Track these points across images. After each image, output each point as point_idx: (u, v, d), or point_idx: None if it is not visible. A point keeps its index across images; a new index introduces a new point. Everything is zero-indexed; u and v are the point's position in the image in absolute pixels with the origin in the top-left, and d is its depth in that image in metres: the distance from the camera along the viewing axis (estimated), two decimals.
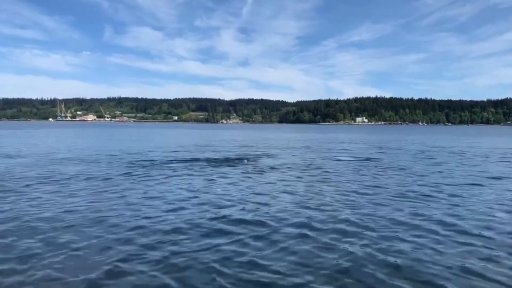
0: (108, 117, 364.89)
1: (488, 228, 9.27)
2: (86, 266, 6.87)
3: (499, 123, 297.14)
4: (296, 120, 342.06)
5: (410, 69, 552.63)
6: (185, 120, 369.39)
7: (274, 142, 47.72)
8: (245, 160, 23.82)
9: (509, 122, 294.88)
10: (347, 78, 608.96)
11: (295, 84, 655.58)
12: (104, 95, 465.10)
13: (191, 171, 18.78)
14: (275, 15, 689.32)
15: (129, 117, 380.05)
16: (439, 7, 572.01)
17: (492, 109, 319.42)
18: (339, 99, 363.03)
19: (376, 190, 14.13)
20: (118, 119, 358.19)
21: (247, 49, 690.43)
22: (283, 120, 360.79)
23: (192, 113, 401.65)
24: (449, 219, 9.91)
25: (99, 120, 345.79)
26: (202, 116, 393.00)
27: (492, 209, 11.15)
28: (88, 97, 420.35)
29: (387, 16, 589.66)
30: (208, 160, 23.72)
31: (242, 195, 12.93)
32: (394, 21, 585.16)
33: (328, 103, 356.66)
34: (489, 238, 8.57)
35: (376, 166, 21.86)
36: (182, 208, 10.93)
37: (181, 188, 14.00)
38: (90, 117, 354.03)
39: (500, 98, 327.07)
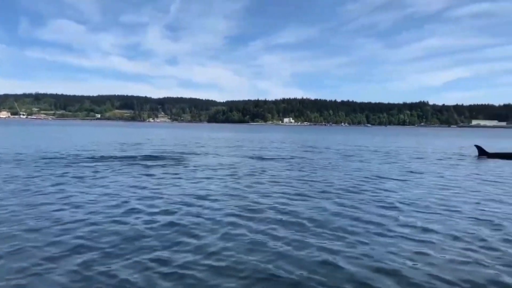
0: (23, 114, 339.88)
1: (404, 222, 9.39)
2: None
3: (413, 124, 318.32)
4: (225, 120, 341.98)
5: (334, 72, 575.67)
6: (108, 118, 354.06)
7: (204, 141, 46.95)
8: (170, 159, 22.98)
9: (422, 124, 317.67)
10: (275, 79, 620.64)
11: (224, 84, 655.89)
12: (20, 91, 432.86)
13: (110, 170, 17.61)
14: (204, 13, 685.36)
15: (47, 114, 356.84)
16: (362, 13, 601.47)
17: (408, 112, 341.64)
18: (267, 99, 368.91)
19: (304, 187, 14.11)
20: (35, 117, 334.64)
21: (175, 47, 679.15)
22: (212, 119, 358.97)
23: (116, 111, 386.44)
24: (356, 213, 9.99)
25: (14, 117, 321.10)
26: (128, 114, 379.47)
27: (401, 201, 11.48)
28: (1, 93, 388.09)
29: (313, 20, 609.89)
30: (130, 159, 22.57)
31: (163, 194, 12.26)
32: (320, 25, 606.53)
33: (257, 103, 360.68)
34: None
35: (306, 164, 22.08)
36: (95, 212, 9.95)
37: (97, 188, 12.98)
38: (3, 114, 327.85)
39: (415, 101, 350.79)
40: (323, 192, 13.42)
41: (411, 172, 19.65)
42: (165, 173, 17.19)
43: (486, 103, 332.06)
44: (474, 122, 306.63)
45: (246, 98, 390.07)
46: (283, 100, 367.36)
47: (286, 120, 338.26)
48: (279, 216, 9.85)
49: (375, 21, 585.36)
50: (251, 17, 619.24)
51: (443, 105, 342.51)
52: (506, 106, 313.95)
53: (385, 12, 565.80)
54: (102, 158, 22.59)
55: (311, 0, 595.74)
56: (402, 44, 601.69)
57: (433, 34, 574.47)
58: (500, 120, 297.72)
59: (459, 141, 61.71)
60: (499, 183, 16.19)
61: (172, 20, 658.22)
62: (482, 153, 28.25)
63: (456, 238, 8.35)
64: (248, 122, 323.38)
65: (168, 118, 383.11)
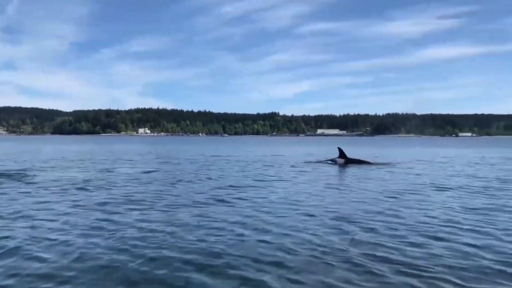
0: None
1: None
2: None
3: (266, 134, 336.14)
4: (73, 131, 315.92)
5: (190, 83, 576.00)
6: None
7: (46, 155, 40.56)
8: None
9: (274, 133, 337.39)
10: (129, 88, 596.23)
11: (72, 92, 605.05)
12: None
13: None
14: (48, 16, 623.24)
15: None
16: (217, 25, 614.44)
17: (261, 122, 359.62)
18: (120, 109, 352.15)
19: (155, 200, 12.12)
20: None
21: (13, 51, 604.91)
22: (57, 131, 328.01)
23: None
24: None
25: None
26: None
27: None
28: None
29: (167, 29, 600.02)
30: None
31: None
32: (174, 35, 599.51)
33: (108, 113, 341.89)
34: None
35: (160, 177, 20.11)
36: None
37: None
38: None
39: (267, 112, 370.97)
40: (181, 204, 12.27)
41: (265, 179, 19.20)
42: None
43: (329, 114, 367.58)
44: (319, 131, 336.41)
45: (97, 108, 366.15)
46: (138, 110, 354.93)
47: (141, 130, 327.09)
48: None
49: (228, 34, 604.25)
50: (102, 24, 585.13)
51: (292, 115, 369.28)
52: (345, 116, 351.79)
53: (237, 26, 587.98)
54: None
55: (163, 10, 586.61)
56: (254, 58, 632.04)
57: (283, 49, 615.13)
58: (341, 129, 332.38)
59: (306, 148, 66.21)
60: (343, 186, 16.68)
61: (10, 22, 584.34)
62: (342, 156, 28.75)
63: (308, 241, 8.45)
64: (99, 133, 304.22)
65: (5, 130, 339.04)
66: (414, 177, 21.20)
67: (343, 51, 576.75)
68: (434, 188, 16.68)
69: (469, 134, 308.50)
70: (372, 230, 9.33)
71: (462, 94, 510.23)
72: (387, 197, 14.30)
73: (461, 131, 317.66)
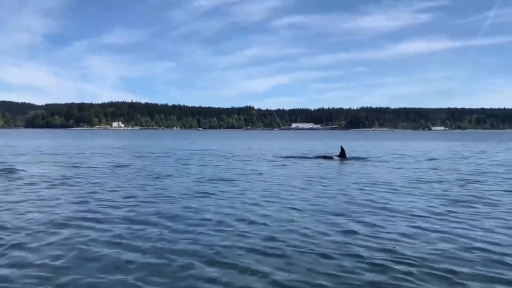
0: None
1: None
2: None
3: (241, 128, 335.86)
4: (46, 125, 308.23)
5: (164, 76, 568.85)
6: None
7: (19, 150, 39.57)
8: None
9: (249, 127, 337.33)
10: (102, 81, 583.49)
11: (44, 86, 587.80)
12: None
13: None
14: (16, 9, 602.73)
15: None
16: (188, 20, 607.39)
17: (236, 116, 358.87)
18: (93, 103, 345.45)
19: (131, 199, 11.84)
20: None
21: None
22: (30, 124, 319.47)
23: None
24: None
25: None
26: None
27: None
28: None
29: (140, 23, 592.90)
30: None
31: None
32: (147, 28, 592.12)
33: (81, 106, 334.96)
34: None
35: (135, 172, 19.85)
36: None
37: None
38: None
39: (242, 106, 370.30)
40: (163, 199, 12.08)
41: (245, 173, 19.38)
42: None
43: (304, 108, 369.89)
44: (294, 125, 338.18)
45: (70, 102, 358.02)
46: (112, 104, 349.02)
47: (115, 124, 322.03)
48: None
49: (201, 28, 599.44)
50: (74, 16, 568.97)
51: (267, 109, 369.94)
52: (319, 110, 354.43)
53: (210, 20, 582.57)
54: None
55: (136, 2, 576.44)
56: (228, 51, 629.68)
57: (256, 43, 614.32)
58: (315, 123, 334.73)
59: (281, 143, 66.84)
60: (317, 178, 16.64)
61: None
62: (342, 155, 28.30)
63: (291, 231, 8.85)
64: (73, 127, 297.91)
65: None
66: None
67: (317, 45, 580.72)
68: (417, 182, 17.24)
69: (442, 128, 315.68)
70: (355, 220, 9.74)
71: (435, 88, 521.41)
72: (362, 188, 14.80)
73: (434, 125, 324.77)
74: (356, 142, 70.86)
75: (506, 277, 6.22)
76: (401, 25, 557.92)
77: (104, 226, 9.08)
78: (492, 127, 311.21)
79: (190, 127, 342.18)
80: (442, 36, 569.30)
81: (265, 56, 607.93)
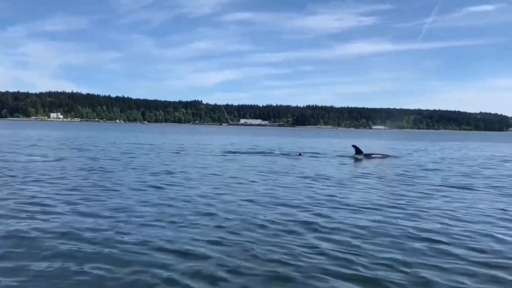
0: None
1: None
2: None
3: (189, 122, 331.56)
4: None
5: (108, 67, 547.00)
6: None
7: None
8: None
9: (197, 122, 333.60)
10: (40, 70, 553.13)
11: None
12: None
13: None
14: None
15: None
16: (135, 9, 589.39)
17: (183, 110, 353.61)
18: (30, 92, 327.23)
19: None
20: None
21: None
22: None
23: None
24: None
25: None
26: None
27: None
28: None
29: (83, 9, 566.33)
30: None
31: None
32: (91, 16, 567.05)
33: (17, 96, 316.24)
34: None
35: (79, 165, 19.18)
36: None
37: None
38: None
39: (190, 100, 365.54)
40: (108, 192, 11.57)
41: (196, 166, 19.17)
42: None
43: (252, 104, 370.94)
44: (242, 120, 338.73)
45: (4, 90, 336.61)
46: (50, 94, 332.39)
47: (53, 115, 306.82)
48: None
49: (148, 18, 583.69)
50: (8, 0, 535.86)
51: (215, 104, 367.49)
52: (267, 107, 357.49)
53: (158, 10, 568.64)
54: None
55: None
56: (177, 43, 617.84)
57: (205, 36, 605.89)
58: (263, 119, 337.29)
59: (228, 138, 67.89)
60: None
61: None
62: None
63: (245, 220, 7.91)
64: (6, 117, 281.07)
65: None
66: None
67: (266, 42, 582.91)
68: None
69: (382, 127, 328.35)
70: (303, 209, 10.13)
71: (377, 88, 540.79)
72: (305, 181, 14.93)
73: (374, 124, 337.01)
74: (305, 139, 72.12)
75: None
76: (347, 27, 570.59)
77: (47, 216, 8.92)
78: (428, 127, 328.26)
79: (134, 120, 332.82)
80: (384, 39, 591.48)
81: (215, 50, 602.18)
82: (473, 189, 14.71)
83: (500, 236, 8.32)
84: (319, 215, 9.75)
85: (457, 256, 7.01)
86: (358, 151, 29.21)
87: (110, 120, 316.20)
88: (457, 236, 8.19)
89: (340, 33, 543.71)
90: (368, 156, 28.70)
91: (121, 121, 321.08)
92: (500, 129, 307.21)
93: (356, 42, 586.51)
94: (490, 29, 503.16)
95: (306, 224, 8.83)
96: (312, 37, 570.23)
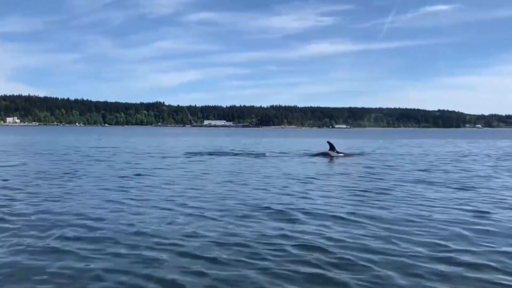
0: None
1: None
2: None
3: (151, 124, 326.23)
4: None
5: (66, 68, 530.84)
6: None
7: None
8: None
9: (159, 124, 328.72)
10: None
11: None
12: None
13: None
14: None
15: None
16: (93, 9, 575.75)
17: (145, 112, 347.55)
18: None
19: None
20: None
21: None
22: None
23: None
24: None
25: None
26: None
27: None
28: None
29: (39, 10, 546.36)
30: None
31: None
32: (47, 16, 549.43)
33: None
34: None
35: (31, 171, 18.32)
36: None
37: None
38: None
39: (152, 102, 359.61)
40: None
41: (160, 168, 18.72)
42: None
43: (216, 105, 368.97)
44: (206, 122, 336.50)
45: None
46: (5, 97, 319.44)
47: (9, 119, 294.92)
48: None
49: (107, 18, 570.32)
50: None
51: (178, 105, 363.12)
52: (231, 108, 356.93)
53: (117, 10, 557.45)
54: None
55: None
56: (137, 44, 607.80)
57: (167, 36, 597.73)
58: (227, 120, 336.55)
59: (191, 139, 67.49)
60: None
61: None
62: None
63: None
64: None
65: None
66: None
67: (230, 43, 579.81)
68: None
69: (344, 126, 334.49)
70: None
71: (339, 88, 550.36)
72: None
73: (337, 123, 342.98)
74: (270, 138, 72.40)
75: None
76: (308, 27, 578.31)
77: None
78: (389, 125, 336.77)
79: (95, 123, 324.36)
80: (345, 39, 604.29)
81: (177, 51, 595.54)
82: (428, 183, 15.25)
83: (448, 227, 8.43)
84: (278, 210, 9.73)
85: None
86: (331, 147, 29.35)
87: (69, 124, 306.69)
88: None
89: (302, 33, 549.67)
90: (332, 154, 28.89)
91: (81, 124, 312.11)
92: (458, 126, 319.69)
93: (318, 43, 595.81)
94: (446, 29, 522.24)
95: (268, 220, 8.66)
96: (275, 37, 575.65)
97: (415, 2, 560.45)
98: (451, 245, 7.39)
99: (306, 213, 9.89)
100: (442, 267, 6.29)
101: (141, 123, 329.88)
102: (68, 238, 7.69)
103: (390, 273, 6.04)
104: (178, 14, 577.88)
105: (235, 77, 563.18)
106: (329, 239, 7.75)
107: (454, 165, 23.21)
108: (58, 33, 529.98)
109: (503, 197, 12.29)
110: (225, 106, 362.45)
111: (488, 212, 10.05)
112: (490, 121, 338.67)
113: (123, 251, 6.98)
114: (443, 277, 5.94)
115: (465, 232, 8.22)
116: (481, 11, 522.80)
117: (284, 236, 7.93)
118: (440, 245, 7.41)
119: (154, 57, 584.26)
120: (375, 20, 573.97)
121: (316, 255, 6.82)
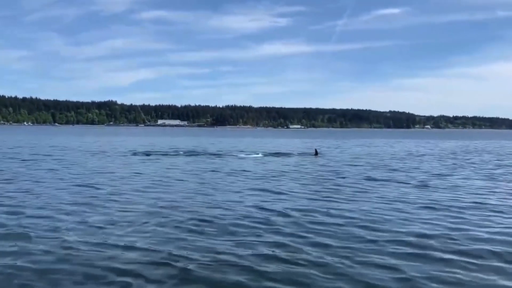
0: None
1: None
2: None
3: (103, 123, 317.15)
4: None
5: (14, 66, 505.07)
6: None
7: None
8: None
9: (111, 123, 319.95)
10: None
11: None
12: None
13: None
14: None
15: None
16: (44, 5, 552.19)
17: (97, 111, 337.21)
18: None
19: None
20: None
21: None
22: None
23: None
24: None
25: None
26: None
27: None
28: None
29: None
30: None
31: None
32: None
33: None
34: None
35: None
36: None
37: None
38: None
39: (103, 100, 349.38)
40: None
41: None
42: None
43: (170, 104, 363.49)
44: (160, 121, 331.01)
45: None
46: None
47: None
48: None
49: (58, 15, 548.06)
50: None
51: (131, 104, 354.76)
52: (186, 107, 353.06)
53: (68, 7, 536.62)
54: None
55: None
56: (89, 42, 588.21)
57: (119, 34, 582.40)
58: (182, 120, 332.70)
59: (142, 139, 68.47)
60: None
61: None
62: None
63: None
64: None
65: None
66: None
67: (181, 41, 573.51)
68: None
69: (298, 126, 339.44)
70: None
71: (293, 88, 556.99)
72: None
73: (291, 123, 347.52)
74: (227, 138, 72.87)
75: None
76: (262, 27, 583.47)
77: None
78: (341, 125, 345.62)
79: (44, 122, 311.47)
80: (299, 40, 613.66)
81: (129, 49, 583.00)
82: (377, 180, 16.71)
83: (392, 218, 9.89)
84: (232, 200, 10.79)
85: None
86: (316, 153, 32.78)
87: (17, 123, 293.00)
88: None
89: (256, 33, 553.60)
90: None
91: (29, 123, 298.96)
92: (408, 126, 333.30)
93: (272, 43, 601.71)
94: (397, 32, 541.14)
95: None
96: (229, 37, 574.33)
97: (368, 5, 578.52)
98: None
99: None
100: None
101: (93, 122, 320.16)
102: None
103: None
104: (131, 12, 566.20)
105: (189, 76, 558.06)
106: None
107: (403, 163, 25.14)
108: (6, 29, 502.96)
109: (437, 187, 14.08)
110: (179, 106, 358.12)
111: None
112: (439, 122, 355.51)
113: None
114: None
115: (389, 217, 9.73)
116: (431, 15, 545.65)
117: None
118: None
119: (106, 55, 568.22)
120: (329, 22, 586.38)
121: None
